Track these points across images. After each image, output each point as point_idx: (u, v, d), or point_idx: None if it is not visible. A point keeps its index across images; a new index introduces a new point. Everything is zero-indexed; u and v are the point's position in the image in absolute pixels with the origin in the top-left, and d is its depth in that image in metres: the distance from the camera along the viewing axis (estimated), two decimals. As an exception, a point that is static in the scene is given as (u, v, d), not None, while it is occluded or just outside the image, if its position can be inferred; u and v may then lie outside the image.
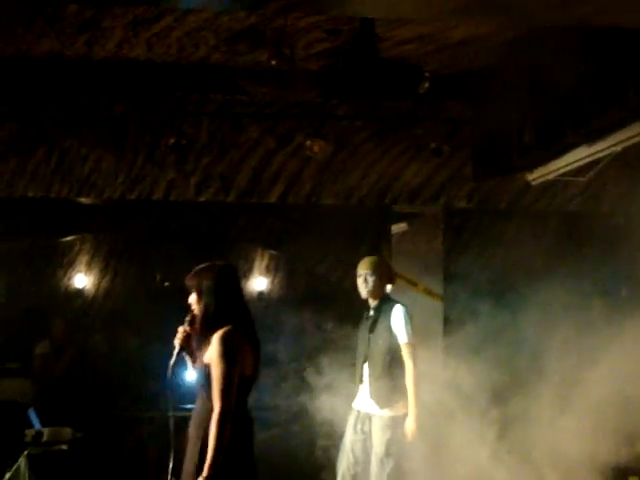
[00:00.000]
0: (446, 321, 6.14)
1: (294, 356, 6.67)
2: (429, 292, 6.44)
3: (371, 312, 5.12)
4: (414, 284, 6.48)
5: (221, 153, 5.78)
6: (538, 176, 5.46)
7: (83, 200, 6.80)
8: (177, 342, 3.67)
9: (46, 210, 7.24)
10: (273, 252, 8.43)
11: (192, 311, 3.67)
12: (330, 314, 6.35)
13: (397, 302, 5.09)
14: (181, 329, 3.66)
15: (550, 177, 5.39)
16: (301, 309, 6.80)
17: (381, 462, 4.91)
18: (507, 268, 5.60)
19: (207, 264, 3.76)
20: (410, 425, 4.89)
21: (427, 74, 4.49)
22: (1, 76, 5.09)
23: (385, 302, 5.10)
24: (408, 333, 4.96)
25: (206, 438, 3.47)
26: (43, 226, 7.54)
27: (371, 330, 5.06)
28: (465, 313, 5.54)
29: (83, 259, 8.44)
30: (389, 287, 6.39)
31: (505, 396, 5.31)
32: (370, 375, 5.01)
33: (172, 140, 5.52)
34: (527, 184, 5.59)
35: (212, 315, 3.64)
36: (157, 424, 6.69)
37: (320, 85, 5.22)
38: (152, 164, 5.74)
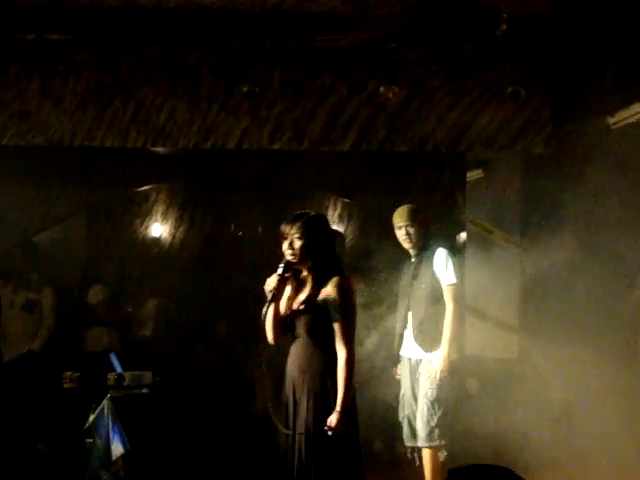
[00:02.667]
0: (523, 269, 6.06)
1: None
2: (505, 239, 6.36)
3: (413, 259, 5.10)
4: (490, 231, 6.41)
5: (294, 101, 5.75)
6: (619, 120, 5.30)
7: (159, 150, 6.89)
8: (270, 289, 3.73)
9: (123, 160, 7.35)
10: (346, 200, 8.42)
11: (286, 258, 3.74)
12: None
13: (437, 245, 5.06)
14: (274, 277, 3.73)
15: (632, 120, 5.24)
16: (374, 257, 6.77)
17: (432, 406, 4.92)
18: (586, 215, 5.47)
19: (305, 212, 3.87)
20: (439, 364, 4.88)
21: (504, 15, 4.39)
22: (77, 26, 5.16)
23: (426, 247, 5.07)
24: (450, 275, 4.94)
25: (319, 384, 3.63)
26: (120, 176, 7.67)
27: (414, 276, 5.05)
28: (542, 260, 5.46)
29: (159, 209, 8.56)
30: (463, 235, 6.37)
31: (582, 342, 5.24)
32: (414, 320, 5.02)
33: (245, 88, 5.53)
34: (607, 128, 5.43)
35: (323, 261, 3.75)
36: (233, 369, 6.84)
37: (394, 30, 5.17)
38: (226, 113, 5.75)
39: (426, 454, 4.99)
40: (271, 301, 3.74)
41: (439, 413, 4.90)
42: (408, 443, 5.12)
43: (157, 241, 8.46)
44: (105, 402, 5.29)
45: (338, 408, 3.57)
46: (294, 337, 3.80)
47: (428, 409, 4.91)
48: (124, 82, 5.57)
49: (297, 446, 3.66)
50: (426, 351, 4.97)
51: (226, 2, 4.91)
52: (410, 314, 5.08)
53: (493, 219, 6.44)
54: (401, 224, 5.06)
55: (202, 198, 8.44)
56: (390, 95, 5.53)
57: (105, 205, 8.22)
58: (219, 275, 7.77)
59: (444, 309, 4.94)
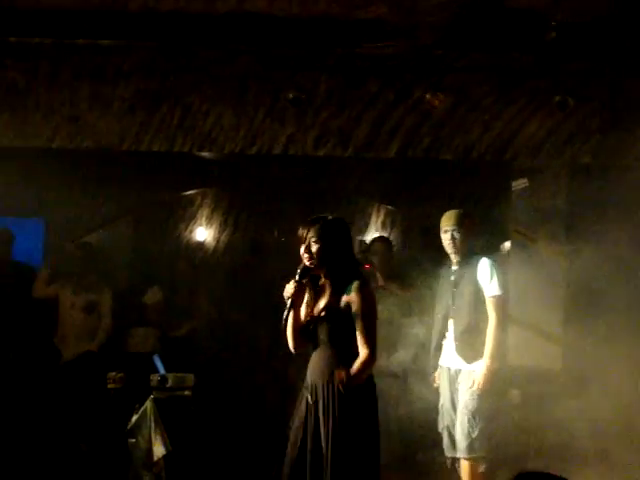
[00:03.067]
0: (568, 278, 6.00)
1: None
2: (550, 249, 6.30)
3: (454, 267, 5.05)
4: (534, 241, 6.36)
5: (339, 107, 5.76)
6: (668, 129, 5.24)
7: (205, 155, 6.95)
8: (288, 295, 3.71)
9: (169, 164, 7.44)
10: (390, 207, 8.41)
11: (304, 263, 3.73)
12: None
13: (482, 255, 5.01)
14: (292, 282, 3.72)
15: (682, 130, 5.17)
16: (416, 265, 6.75)
17: (472, 417, 4.87)
18: (632, 225, 5.40)
19: (323, 215, 3.83)
20: (480, 376, 4.83)
21: (553, 23, 4.35)
22: (127, 32, 5.23)
23: (470, 255, 5.02)
24: (495, 286, 4.89)
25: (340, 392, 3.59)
26: (166, 180, 7.75)
27: (455, 285, 5.00)
28: (587, 270, 5.40)
29: (204, 213, 8.64)
30: (507, 244, 6.32)
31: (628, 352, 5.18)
32: (455, 330, 4.97)
33: (292, 95, 5.55)
34: (657, 137, 5.37)
35: (341, 266, 3.73)
36: (274, 372, 6.85)
37: (441, 37, 5.15)
38: (272, 119, 5.78)
39: (465, 465, 4.95)
40: (290, 308, 3.72)
41: (480, 425, 4.86)
42: (448, 454, 5.09)
43: (201, 245, 8.53)
44: (148, 403, 5.36)
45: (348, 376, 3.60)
46: (315, 344, 3.78)
47: (468, 420, 4.87)
48: (172, 88, 5.62)
49: (316, 453, 3.65)
50: (467, 362, 4.93)
51: (274, 9, 4.93)
52: (450, 323, 5.04)
53: (538, 228, 6.38)
54: (447, 228, 5.03)
55: (246, 203, 8.50)
56: (436, 102, 5.51)
57: (151, 209, 8.32)
58: (262, 279, 7.80)
59: (486, 320, 4.90)
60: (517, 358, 5.78)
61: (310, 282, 3.80)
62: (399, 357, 5.72)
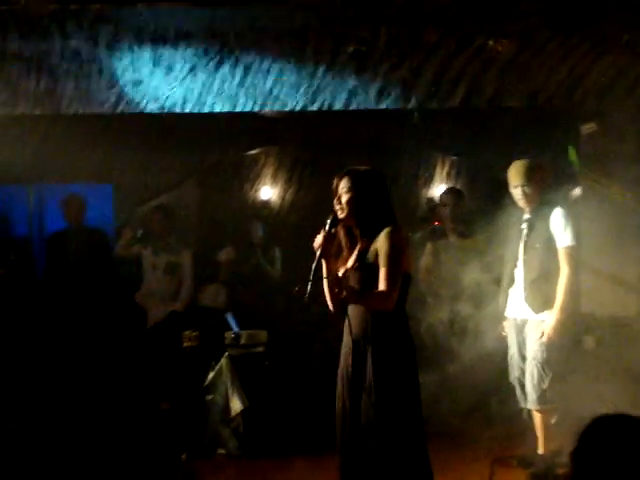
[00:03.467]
0: (641, 223, 5.87)
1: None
2: (622, 194, 6.17)
3: (526, 215, 4.96)
4: (606, 186, 6.23)
5: (401, 59, 5.69)
6: None
7: (267, 113, 6.95)
8: (317, 245, 3.61)
9: (232, 124, 7.46)
10: (454, 158, 8.32)
11: (335, 213, 3.67)
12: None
13: (555, 204, 4.90)
14: (321, 233, 3.62)
15: None
16: (483, 215, 6.67)
17: (542, 368, 4.81)
18: None
19: (357, 167, 3.76)
20: (549, 324, 4.75)
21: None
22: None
23: (543, 206, 4.91)
24: (568, 236, 4.78)
25: (380, 347, 3.54)
26: (229, 140, 7.78)
27: (527, 234, 4.90)
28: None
29: (268, 172, 8.66)
30: (577, 191, 6.20)
31: None
32: (525, 279, 4.89)
33: (352, 48, 5.50)
34: None
35: (373, 216, 3.64)
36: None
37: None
38: (333, 74, 5.74)
39: (537, 417, 4.92)
40: (319, 258, 3.62)
41: (549, 375, 4.81)
42: (522, 404, 5.07)
43: (266, 204, 8.58)
44: (223, 360, 5.46)
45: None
46: None
47: (538, 371, 4.82)
48: (232, 47, 5.62)
49: (360, 406, 3.59)
50: (535, 312, 4.87)
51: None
52: (520, 272, 4.98)
53: (609, 173, 6.24)
54: (517, 183, 4.93)
55: (310, 160, 8.49)
56: (499, 49, 5.40)
57: (216, 169, 8.38)
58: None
59: (557, 270, 4.82)
60: (591, 305, 5.71)
61: (348, 236, 3.74)
62: (469, 309, 5.70)
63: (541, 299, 4.87)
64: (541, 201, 4.94)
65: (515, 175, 4.95)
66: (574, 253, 4.83)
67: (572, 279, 4.79)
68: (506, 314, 5.09)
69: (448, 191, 6.69)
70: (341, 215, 3.66)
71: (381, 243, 3.57)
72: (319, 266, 3.64)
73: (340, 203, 3.66)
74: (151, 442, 5.23)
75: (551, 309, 4.82)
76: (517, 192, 4.95)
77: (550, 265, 4.85)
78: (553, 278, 4.83)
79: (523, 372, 4.97)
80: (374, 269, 3.58)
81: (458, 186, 8.16)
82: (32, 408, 5.52)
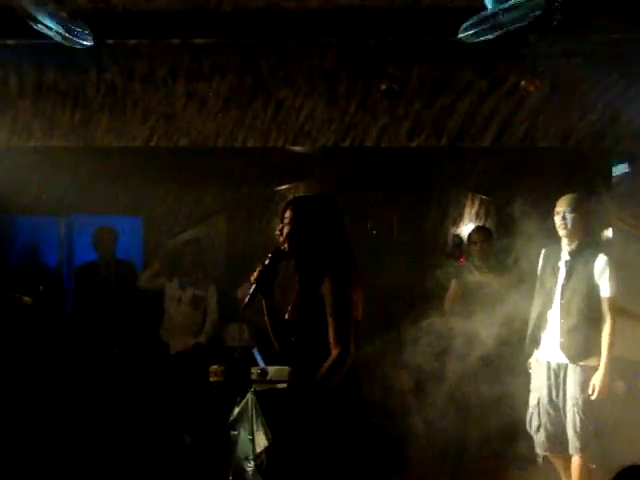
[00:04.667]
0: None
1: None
2: (655, 236, 6.12)
3: (566, 256, 4.87)
4: (637, 228, 6.17)
5: (433, 97, 5.71)
6: None
7: (298, 149, 6.99)
8: (252, 279, 3.31)
9: (263, 160, 7.51)
10: (484, 197, 8.29)
11: (278, 246, 3.34)
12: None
13: (599, 249, 4.82)
14: (260, 265, 3.32)
15: None
16: (511, 254, 6.63)
17: (585, 415, 4.70)
18: None
19: (308, 195, 3.56)
20: (599, 379, 4.65)
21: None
22: (220, 30, 5.29)
23: (586, 246, 4.83)
24: (613, 286, 4.68)
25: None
26: (260, 176, 7.83)
27: (567, 278, 4.81)
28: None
29: (297, 208, 8.67)
30: (608, 233, 6.13)
31: None
32: (563, 326, 4.78)
33: (384, 86, 5.52)
34: None
35: (320, 251, 3.24)
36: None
37: (536, 22, 5.03)
38: (364, 111, 5.78)
39: (577, 463, 4.81)
40: (253, 294, 3.32)
41: (593, 422, 4.73)
42: (541, 451, 4.95)
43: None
44: (249, 396, 5.42)
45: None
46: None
47: (581, 419, 4.72)
48: (265, 83, 5.67)
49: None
50: (571, 361, 4.76)
51: (365, 1, 4.91)
52: (555, 316, 4.88)
53: (640, 215, 6.19)
54: (559, 209, 4.85)
55: (339, 196, 8.49)
56: (531, 89, 5.39)
57: (245, 204, 8.41)
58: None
59: (598, 319, 4.74)
60: (621, 350, 5.62)
61: (297, 275, 3.34)
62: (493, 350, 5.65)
63: (578, 348, 4.76)
64: (582, 242, 4.85)
65: (560, 202, 4.88)
66: (617, 302, 4.75)
67: (615, 329, 4.71)
68: (537, 357, 4.98)
69: (477, 229, 6.69)
70: (284, 249, 3.31)
71: (326, 289, 3.17)
72: (251, 302, 3.34)
73: (281, 235, 3.31)
74: (174, 475, 5.20)
75: (587, 358, 4.74)
76: (558, 218, 4.84)
77: (591, 313, 4.74)
78: (593, 327, 4.72)
79: (551, 418, 4.87)
80: (316, 319, 3.20)
81: (487, 225, 8.13)
82: (57, 438, 5.51)
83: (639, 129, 5.70)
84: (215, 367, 5.67)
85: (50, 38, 4.97)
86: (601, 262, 4.74)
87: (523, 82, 5.41)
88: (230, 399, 5.53)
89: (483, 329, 5.58)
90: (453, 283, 6.31)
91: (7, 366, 6.02)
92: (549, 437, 4.89)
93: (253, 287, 3.32)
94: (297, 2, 4.93)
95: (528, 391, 5.02)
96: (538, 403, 4.93)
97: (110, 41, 5.32)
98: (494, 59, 5.52)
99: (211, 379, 5.65)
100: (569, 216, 4.80)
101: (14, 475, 5.21)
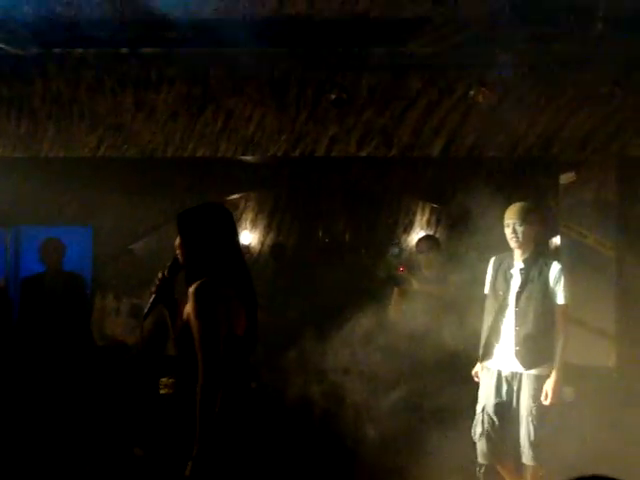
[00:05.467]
0: (619, 274, 5.89)
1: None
2: (601, 244, 6.20)
3: (520, 264, 4.89)
4: (584, 236, 6.26)
5: (382, 107, 5.72)
6: None
7: (247, 159, 6.96)
8: (152, 289, 3.27)
9: (213, 169, 7.47)
10: (434, 206, 8.35)
11: (176, 256, 3.28)
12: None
13: (551, 257, 4.87)
14: (159, 275, 3.27)
15: None
16: (462, 263, 6.68)
17: (538, 424, 4.73)
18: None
19: (198, 205, 3.37)
20: (551, 386, 4.68)
21: (600, 14, 4.27)
22: (168, 40, 5.25)
23: (538, 256, 4.85)
24: (567, 294, 4.72)
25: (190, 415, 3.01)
26: (210, 185, 7.79)
27: (522, 286, 4.82)
28: (640, 265, 5.30)
29: (248, 217, 8.66)
30: (556, 240, 6.20)
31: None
32: (517, 334, 4.79)
33: (333, 95, 5.52)
34: None
35: (190, 264, 3.19)
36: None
37: (483, 32, 5.08)
38: (314, 121, 5.76)
39: (530, 471, 4.84)
40: (152, 304, 3.25)
41: (544, 431, 4.75)
42: (482, 460, 4.92)
43: (247, 249, 8.56)
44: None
45: (193, 453, 2.96)
46: None
47: (534, 427, 4.74)
48: (214, 92, 5.64)
49: None
50: (526, 368, 4.77)
51: (314, 11, 4.91)
52: (509, 325, 4.88)
53: (588, 223, 6.28)
54: (509, 221, 4.82)
55: (290, 205, 8.50)
56: (480, 99, 5.44)
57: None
58: (307, 280, 7.80)
59: (552, 327, 4.75)
60: (569, 355, 5.69)
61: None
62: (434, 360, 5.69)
63: (534, 355, 4.76)
64: (535, 250, 4.86)
65: (509, 213, 4.83)
66: (569, 310, 4.77)
67: (568, 336, 4.74)
68: (487, 364, 4.99)
69: (425, 238, 6.71)
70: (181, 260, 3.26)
71: (189, 306, 3.08)
72: (149, 311, 3.27)
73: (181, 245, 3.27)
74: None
75: (542, 365, 4.75)
76: (509, 230, 4.83)
77: (546, 321, 4.76)
78: (548, 334, 4.74)
79: (494, 425, 4.89)
80: (186, 336, 3.09)
81: (437, 234, 8.19)
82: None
83: (586, 138, 5.77)
84: (165, 379, 5.62)
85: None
86: (555, 270, 4.76)
87: (472, 92, 5.45)
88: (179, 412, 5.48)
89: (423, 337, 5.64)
90: (395, 291, 6.31)
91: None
92: (492, 446, 4.88)
93: (152, 297, 3.26)
94: (244, 11, 4.90)
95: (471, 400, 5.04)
96: (483, 411, 4.91)
97: (56, 50, 5.26)
98: (443, 69, 5.56)
99: (161, 392, 5.59)
100: (519, 228, 4.79)
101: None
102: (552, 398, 4.69)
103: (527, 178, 6.83)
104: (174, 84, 5.57)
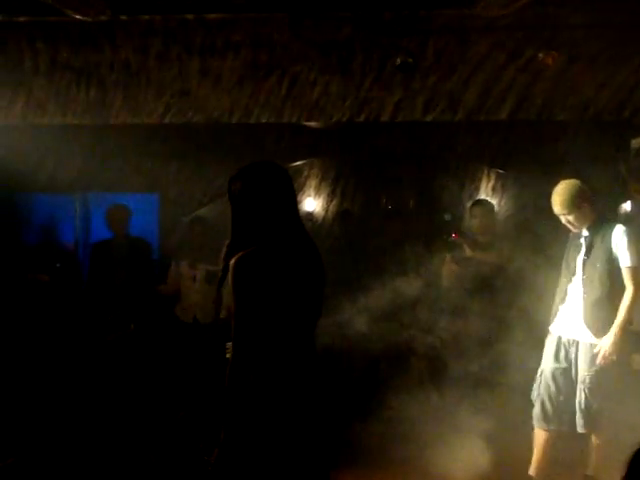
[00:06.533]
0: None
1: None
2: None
3: (584, 233, 4.82)
4: (657, 201, 6.14)
5: (448, 71, 5.65)
6: None
7: (312, 124, 6.95)
8: (221, 257, 2.98)
9: (277, 135, 7.48)
10: (500, 171, 8.24)
11: None
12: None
13: (615, 221, 4.77)
14: (226, 242, 2.98)
15: None
16: (529, 230, 6.60)
17: (591, 392, 4.68)
18: None
19: (248, 164, 3.03)
20: (606, 344, 4.60)
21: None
22: (233, 5, 5.26)
23: (601, 223, 4.76)
24: (633, 255, 4.62)
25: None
26: (275, 151, 7.80)
27: (587, 253, 4.75)
28: None
29: (312, 183, 8.66)
30: (627, 206, 6.07)
31: None
32: (585, 300, 4.73)
33: (399, 60, 5.47)
34: None
35: (236, 231, 2.89)
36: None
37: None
38: (379, 86, 5.72)
39: (585, 440, 4.81)
40: (222, 273, 2.96)
41: (599, 399, 4.70)
42: (538, 424, 4.93)
43: (310, 215, 8.57)
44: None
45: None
46: None
47: (586, 396, 4.70)
48: (279, 59, 5.63)
49: None
50: (596, 335, 4.70)
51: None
52: (577, 291, 4.84)
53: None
54: (558, 213, 4.80)
55: (354, 172, 8.48)
56: (549, 61, 5.33)
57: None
58: (368, 248, 7.77)
59: (621, 291, 4.66)
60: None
61: None
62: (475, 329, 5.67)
63: (602, 321, 4.70)
64: (597, 218, 4.79)
65: (556, 205, 4.76)
66: (638, 272, 4.66)
67: (635, 299, 4.63)
68: (550, 329, 4.97)
69: (477, 202, 6.59)
70: None
71: (229, 277, 2.83)
72: (222, 280, 3.02)
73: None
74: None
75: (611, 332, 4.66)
76: (562, 219, 4.83)
77: (613, 285, 4.68)
78: (616, 299, 4.66)
79: (549, 391, 4.86)
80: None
81: (503, 200, 8.09)
82: (73, 414, 5.56)
83: (657, 101, 5.62)
84: (231, 344, 5.68)
85: (63, 15, 4.98)
86: (618, 232, 4.68)
87: (540, 54, 5.34)
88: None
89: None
90: (447, 258, 6.25)
91: (25, 344, 6.06)
92: (545, 411, 4.88)
93: (222, 265, 3.00)
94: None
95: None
96: (541, 375, 4.93)
97: (123, 17, 5.30)
98: (511, 31, 5.46)
99: (227, 355, 5.66)
100: (570, 217, 4.75)
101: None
102: (608, 356, 4.60)
103: (597, 141, 6.67)
104: (239, 51, 5.57)
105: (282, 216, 2.90)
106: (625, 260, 4.66)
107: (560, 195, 4.76)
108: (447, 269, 6.23)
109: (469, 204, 7.09)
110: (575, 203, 4.72)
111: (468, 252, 6.11)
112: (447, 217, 7.30)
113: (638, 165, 6.33)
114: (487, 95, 5.69)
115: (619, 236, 4.68)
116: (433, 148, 7.75)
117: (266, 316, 2.79)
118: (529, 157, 7.36)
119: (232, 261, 2.80)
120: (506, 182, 8.24)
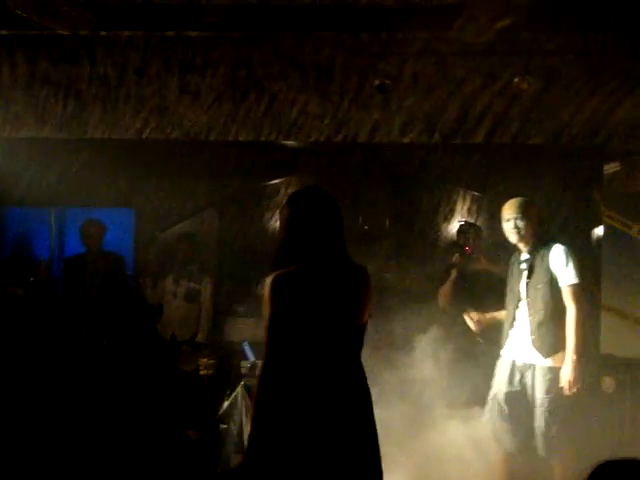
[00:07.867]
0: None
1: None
2: (644, 234, 6.13)
3: (524, 256, 4.87)
4: (628, 226, 6.19)
5: (426, 93, 5.70)
6: None
7: (290, 143, 6.97)
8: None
9: (254, 154, 7.49)
10: (476, 194, 8.30)
11: None
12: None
13: (554, 241, 4.83)
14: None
15: None
16: (502, 252, 6.63)
17: (550, 416, 4.69)
18: None
19: (303, 188, 3.30)
20: (567, 373, 4.61)
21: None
22: (214, 23, 5.28)
23: (540, 244, 4.81)
24: (570, 273, 4.66)
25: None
26: (252, 169, 7.83)
27: (529, 275, 4.80)
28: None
29: (289, 202, 8.66)
30: (599, 230, 6.14)
31: None
32: (531, 323, 4.76)
33: (377, 81, 5.51)
34: None
35: (281, 249, 3.09)
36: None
37: (529, 18, 5.03)
38: (357, 106, 5.76)
39: (546, 464, 4.82)
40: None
41: (558, 422, 4.70)
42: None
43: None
44: (239, 389, 5.42)
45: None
46: None
47: (545, 419, 4.71)
48: (258, 77, 5.66)
49: None
50: (545, 356, 4.74)
51: (359, -4, 4.91)
52: (523, 314, 4.86)
53: (631, 214, 6.20)
54: (509, 217, 4.86)
55: (331, 191, 8.49)
56: (525, 86, 5.40)
57: (237, 198, 8.40)
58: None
59: (564, 311, 4.70)
60: (611, 346, 5.64)
61: None
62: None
63: (550, 342, 4.74)
64: (538, 240, 4.87)
65: (507, 208, 4.89)
66: (579, 290, 4.69)
67: (580, 318, 4.65)
68: (502, 353, 4.98)
69: (464, 225, 6.65)
70: None
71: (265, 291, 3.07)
72: None
73: None
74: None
75: (560, 351, 4.70)
76: (509, 226, 4.88)
77: (556, 305, 4.73)
78: (560, 319, 4.70)
79: (503, 413, 4.86)
80: None
81: (478, 223, 8.14)
82: (48, 431, 5.50)
83: (632, 127, 5.70)
84: (205, 360, 5.68)
85: (43, 29, 4.97)
86: (557, 252, 4.74)
87: (516, 79, 5.41)
88: (220, 392, 5.54)
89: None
90: (452, 273, 6.23)
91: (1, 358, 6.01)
92: (496, 433, 4.90)
93: None
94: (290, -3, 4.92)
95: None
96: (493, 398, 4.94)
97: (103, 33, 5.31)
98: (487, 56, 5.52)
99: (201, 372, 5.66)
100: (520, 223, 4.82)
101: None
102: (571, 382, 4.60)
103: (571, 166, 6.75)
104: (218, 68, 5.59)
105: (323, 240, 3.08)
106: (565, 279, 4.69)
107: (512, 200, 4.92)
108: (449, 285, 6.18)
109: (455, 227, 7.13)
110: (526, 208, 4.84)
111: (484, 264, 6.10)
112: (464, 227, 7.25)
113: (610, 191, 6.41)
114: (464, 118, 5.74)
115: (558, 255, 4.73)
116: (409, 169, 7.79)
117: (293, 332, 2.96)
118: (504, 180, 7.42)
119: (269, 278, 2.95)
120: (481, 205, 8.30)
